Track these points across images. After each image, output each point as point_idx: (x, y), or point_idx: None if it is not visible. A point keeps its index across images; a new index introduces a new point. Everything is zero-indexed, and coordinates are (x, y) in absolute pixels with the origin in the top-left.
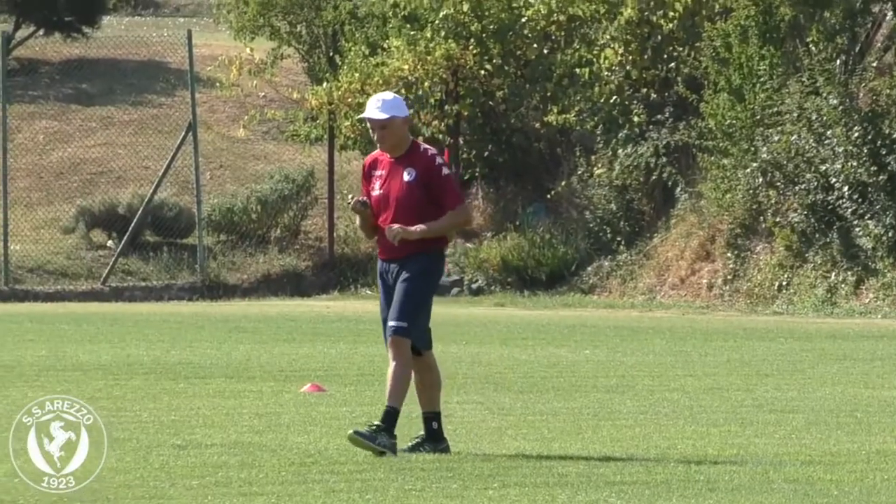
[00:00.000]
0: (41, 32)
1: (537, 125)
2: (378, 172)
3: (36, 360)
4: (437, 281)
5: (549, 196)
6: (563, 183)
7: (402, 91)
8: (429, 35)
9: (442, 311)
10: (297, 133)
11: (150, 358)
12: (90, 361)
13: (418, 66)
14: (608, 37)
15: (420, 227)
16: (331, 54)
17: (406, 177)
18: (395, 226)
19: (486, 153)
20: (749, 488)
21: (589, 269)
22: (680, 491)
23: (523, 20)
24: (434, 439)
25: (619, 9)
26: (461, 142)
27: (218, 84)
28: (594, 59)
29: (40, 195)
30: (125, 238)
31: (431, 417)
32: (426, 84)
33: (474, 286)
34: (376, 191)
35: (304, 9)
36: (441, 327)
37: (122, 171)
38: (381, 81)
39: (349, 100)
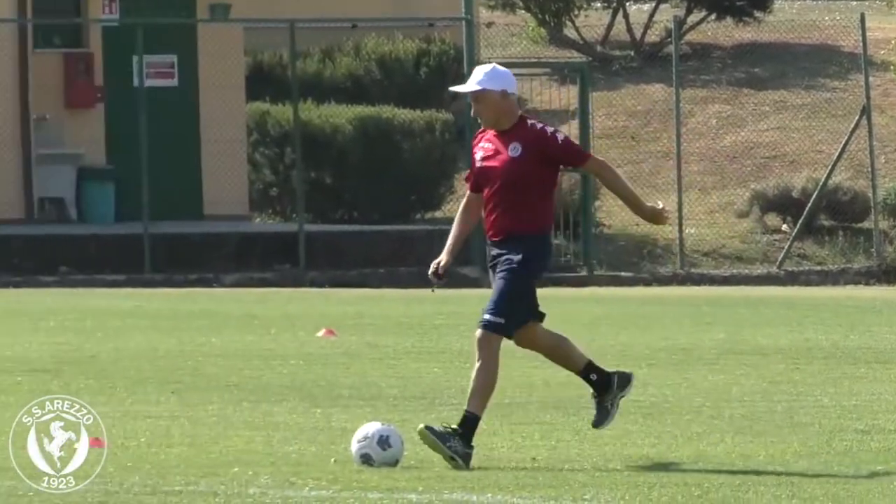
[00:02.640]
0: (713, 17)
1: None
2: (484, 144)
3: (714, 343)
4: (541, 268)
5: None
6: None
7: None
8: None
9: None
10: None
11: (828, 342)
12: (769, 345)
13: None
14: None
15: (635, 207)
16: None
17: (511, 152)
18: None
19: None
20: None
21: None
22: None
23: None
24: (605, 387)
25: None
26: None
27: (892, 67)
28: None
29: (714, 179)
30: (799, 222)
31: (589, 370)
32: None
33: None
34: (478, 163)
35: None
36: None
37: (795, 155)
38: None
39: None
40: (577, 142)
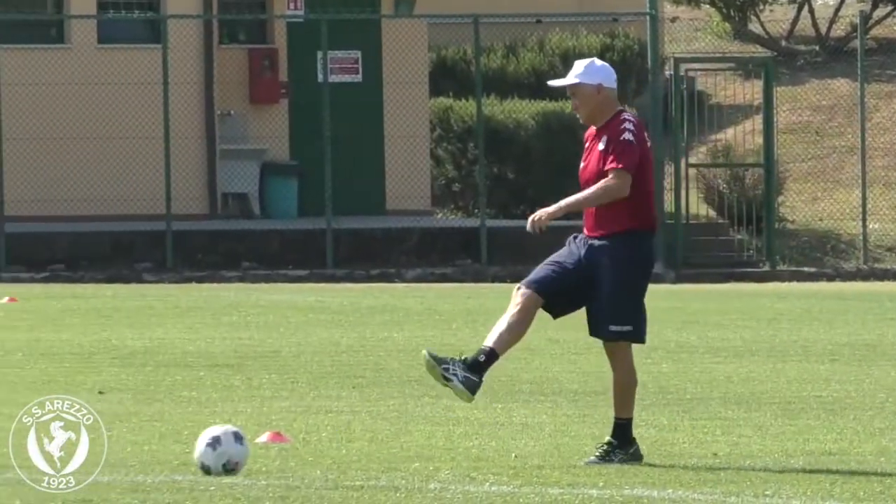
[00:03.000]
0: None
1: None
2: (587, 143)
3: None
4: (642, 266)
5: None
6: None
7: None
8: None
9: None
10: None
11: None
12: None
13: None
14: None
15: (561, 203)
16: None
17: (600, 146)
18: (534, 216)
19: None
20: None
21: None
22: None
23: None
24: (476, 369)
25: None
26: None
27: None
28: None
29: None
30: None
31: (492, 356)
32: None
33: None
34: (582, 163)
35: None
36: None
37: None
38: None
39: None
40: (761, 138)
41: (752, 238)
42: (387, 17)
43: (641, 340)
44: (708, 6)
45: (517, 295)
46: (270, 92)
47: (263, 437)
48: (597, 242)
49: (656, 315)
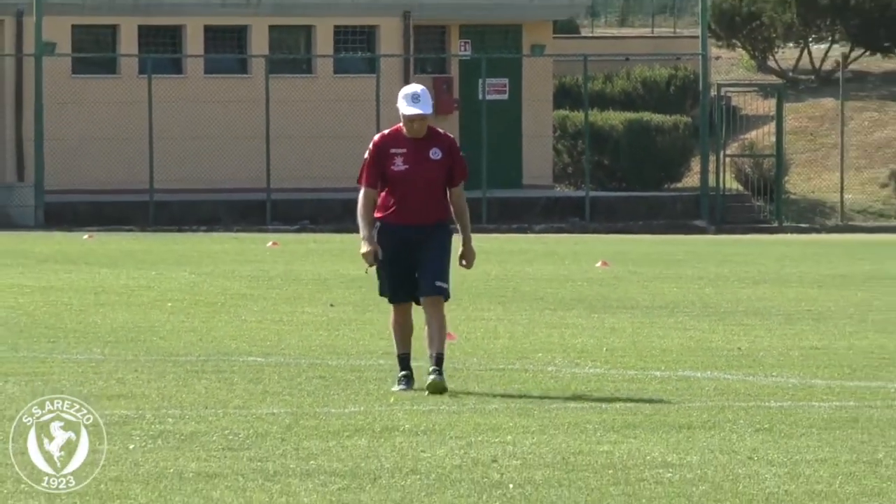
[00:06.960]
0: (867, 53)
1: None
2: (398, 150)
3: (863, 272)
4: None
5: None
6: None
7: None
8: None
9: None
10: None
11: None
12: None
13: None
14: None
15: (467, 241)
16: None
17: (433, 156)
18: (465, 263)
19: None
20: None
21: None
22: None
23: None
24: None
25: None
26: None
27: None
28: None
29: (865, 161)
30: None
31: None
32: None
33: None
34: (399, 167)
35: None
36: None
37: None
38: None
39: None
40: (774, 137)
41: (766, 204)
42: (526, 56)
43: (448, 297)
44: (740, 49)
45: (392, 311)
46: (447, 106)
47: None
48: (431, 226)
49: (699, 257)
